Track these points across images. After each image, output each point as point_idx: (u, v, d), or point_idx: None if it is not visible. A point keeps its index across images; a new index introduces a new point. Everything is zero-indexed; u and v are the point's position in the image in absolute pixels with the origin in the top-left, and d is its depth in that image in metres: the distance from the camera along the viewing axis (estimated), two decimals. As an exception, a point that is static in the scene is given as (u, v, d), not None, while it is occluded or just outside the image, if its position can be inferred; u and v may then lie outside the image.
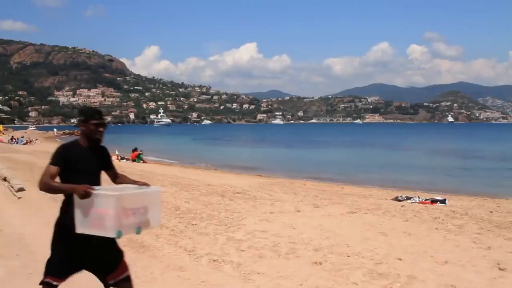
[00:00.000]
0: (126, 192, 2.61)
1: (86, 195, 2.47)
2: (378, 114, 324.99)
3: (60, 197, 2.76)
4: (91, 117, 2.73)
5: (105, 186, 2.76)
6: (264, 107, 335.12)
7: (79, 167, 2.69)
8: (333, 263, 4.54)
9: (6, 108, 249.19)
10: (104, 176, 2.91)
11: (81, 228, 2.53)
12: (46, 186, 2.55)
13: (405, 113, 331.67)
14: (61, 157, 2.64)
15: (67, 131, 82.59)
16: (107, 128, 2.85)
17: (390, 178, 17.06)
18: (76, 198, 2.53)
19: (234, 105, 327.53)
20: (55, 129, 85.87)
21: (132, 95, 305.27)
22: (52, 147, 38.04)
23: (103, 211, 2.47)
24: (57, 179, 2.65)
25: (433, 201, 9.17)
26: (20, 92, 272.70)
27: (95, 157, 2.83)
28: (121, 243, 5.25)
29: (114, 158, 21.58)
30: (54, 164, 2.61)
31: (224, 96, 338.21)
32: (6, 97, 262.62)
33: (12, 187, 9.14)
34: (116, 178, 3.01)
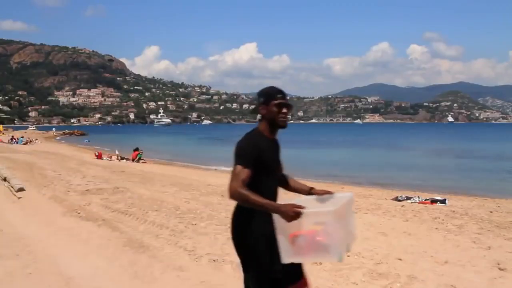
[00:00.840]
0: (339, 205, 2.15)
1: (296, 216, 2.00)
2: (378, 114, 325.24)
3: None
4: (272, 96, 2.27)
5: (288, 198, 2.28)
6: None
7: (269, 166, 2.24)
8: (333, 263, 4.54)
9: (6, 108, 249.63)
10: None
11: (288, 256, 2.09)
12: (239, 197, 2.09)
13: (405, 113, 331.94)
14: (252, 157, 2.15)
15: (67, 131, 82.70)
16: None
17: (390, 178, 17.06)
18: (278, 221, 2.06)
19: (234, 105, 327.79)
20: (53, 129, 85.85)
21: (132, 95, 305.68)
22: (52, 147, 37.55)
23: (315, 232, 2.04)
24: None
25: (433, 201, 9.16)
26: (20, 92, 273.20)
27: (277, 152, 2.38)
28: (120, 243, 5.28)
29: (114, 158, 21.73)
30: (244, 166, 2.12)
31: (224, 96, 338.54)
32: (6, 97, 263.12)
33: (12, 187, 9.14)
34: (286, 180, 2.50)
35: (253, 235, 2.21)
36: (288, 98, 2.35)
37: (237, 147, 2.20)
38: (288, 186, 2.53)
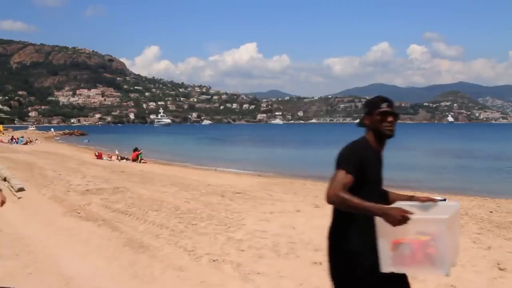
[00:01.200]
0: (450, 215, 1.95)
1: (403, 221, 1.86)
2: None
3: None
4: (376, 105, 2.19)
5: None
6: (264, 107, 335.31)
7: (371, 178, 2.12)
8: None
9: (6, 108, 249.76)
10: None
11: (388, 265, 1.93)
12: (340, 200, 1.97)
13: (405, 113, 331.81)
14: (355, 163, 2.06)
15: (67, 131, 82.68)
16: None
17: (390, 178, 16.93)
18: (380, 225, 1.93)
19: (234, 105, 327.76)
20: (52, 129, 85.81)
21: (132, 95, 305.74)
22: (51, 147, 37.69)
23: (423, 242, 1.88)
24: None
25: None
26: (20, 92, 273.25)
27: (381, 165, 2.24)
28: (120, 243, 5.28)
29: (114, 158, 21.73)
30: (347, 171, 2.03)
31: (224, 96, 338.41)
32: (6, 97, 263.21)
33: (12, 187, 9.14)
34: (385, 195, 2.35)
35: (351, 252, 2.08)
36: (394, 107, 2.23)
37: (341, 152, 2.13)
38: (387, 202, 2.34)
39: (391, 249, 1.92)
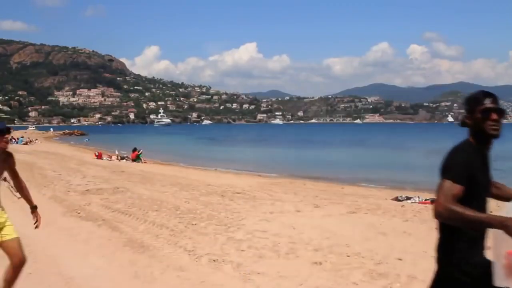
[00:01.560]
0: None
1: None
2: (378, 114, 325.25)
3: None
4: (478, 102, 1.96)
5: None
6: (264, 107, 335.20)
7: (480, 183, 1.94)
8: (333, 263, 4.55)
9: (6, 108, 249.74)
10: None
11: (503, 279, 1.76)
12: (450, 214, 1.78)
13: (405, 113, 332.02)
14: (463, 171, 1.87)
15: (67, 131, 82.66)
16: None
17: (390, 178, 17.06)
18: (497, 237, 1.77)
19: (234, 105, 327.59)
20: (51, 129, 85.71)
21: (132, 95, 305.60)
22: (51, 147, 37.64)
23: None
24: None
25: (433, 201, 9.14)
26: (20, 92, 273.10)
27: (489, 168, 2.06)
28: (120, 243, 5.28)
29: (114, 158, 21.74)
30: (456, 181, 1.84)
31: (224, 96, 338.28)
32: (6, 97, 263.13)
33: (12, 187, 9.12)
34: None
35: (461, 264, 1.91)
36: (499, 102, 2.00)
37: (447, 160, 1.95)
38: (491, 194, 2.20)
39: (505, 260, 1.76)
